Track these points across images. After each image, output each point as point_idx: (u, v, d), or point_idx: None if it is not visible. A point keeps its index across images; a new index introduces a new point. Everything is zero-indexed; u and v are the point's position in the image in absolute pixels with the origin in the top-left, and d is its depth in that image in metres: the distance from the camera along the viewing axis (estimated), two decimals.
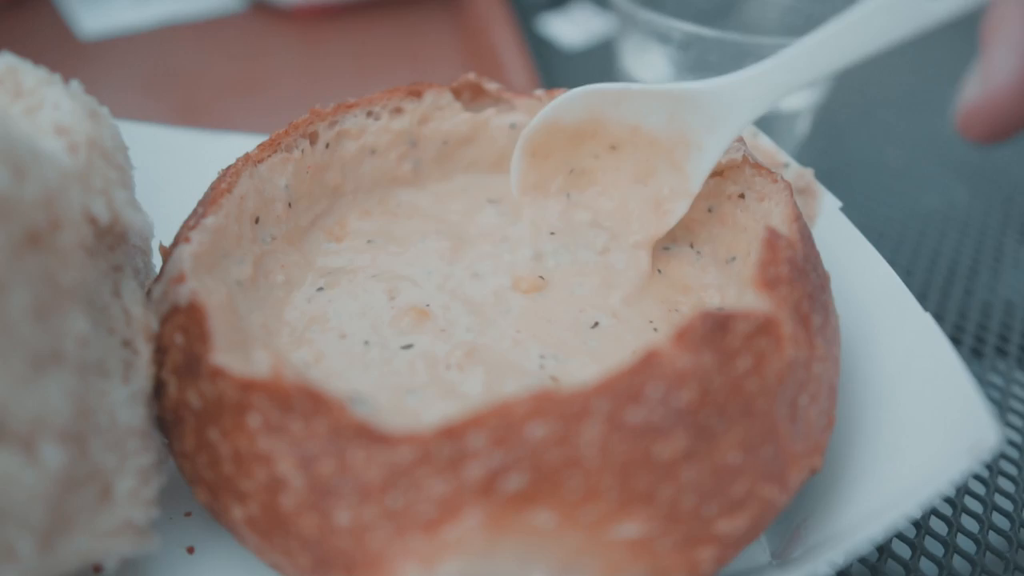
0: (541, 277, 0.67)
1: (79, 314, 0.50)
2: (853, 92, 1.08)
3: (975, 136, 0.46)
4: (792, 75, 0.60)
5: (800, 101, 1.02)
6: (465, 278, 0.67)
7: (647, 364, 0.47)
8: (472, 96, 0.77)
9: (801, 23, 1.08)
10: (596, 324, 0.63)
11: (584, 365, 0.60)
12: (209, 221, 0.61)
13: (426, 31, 1.47)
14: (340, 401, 0.48)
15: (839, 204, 0.75)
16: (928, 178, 1.01)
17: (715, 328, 0.49)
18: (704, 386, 0.48)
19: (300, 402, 0.48)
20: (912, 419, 0.57)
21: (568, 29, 1.48)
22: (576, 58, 1.41)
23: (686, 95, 0.64)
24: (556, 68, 1.34)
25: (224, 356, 0.52)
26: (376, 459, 0.47)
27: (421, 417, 0.54)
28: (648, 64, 1.02)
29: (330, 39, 1.42)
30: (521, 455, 0.46)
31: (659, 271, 0.69)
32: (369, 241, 0.71)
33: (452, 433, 0.46)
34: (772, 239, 0.56)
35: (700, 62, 0.99)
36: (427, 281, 0.67)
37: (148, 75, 1.30)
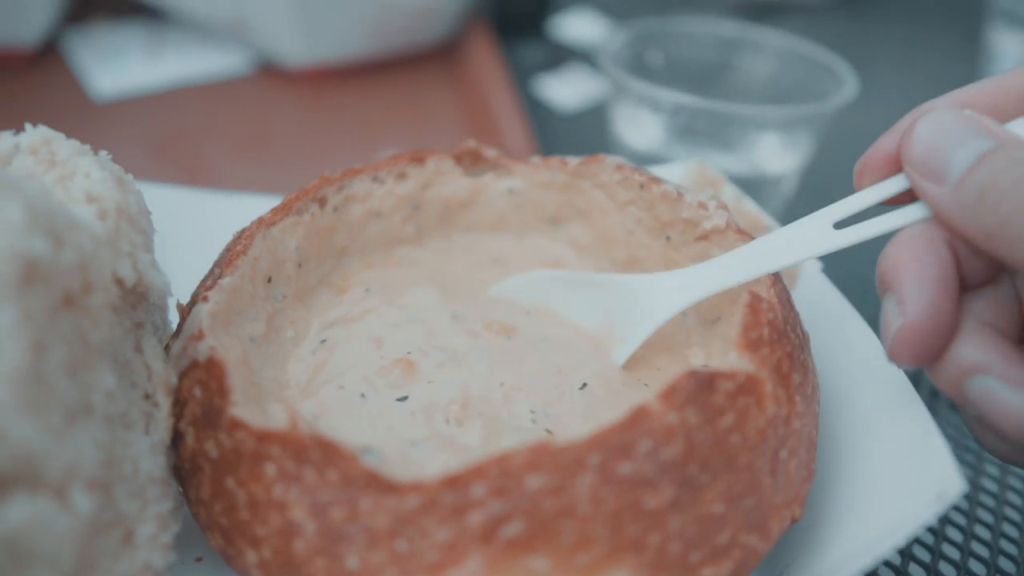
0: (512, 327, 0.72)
1: (106, 369, 0.54)
2: (838, 152, 1.14)
3: (907, 362, 0.53)
4: (721, 277, 0.65)
5: (785, 164, 1.07)
6: (445, 323, 0.71)
7: (637, 420, 0.51)
8: (472, 162, 0.81)
9: (783, 90, 1.13)
10: (584, 385, 0.67)
11: (573, 415, 0.63)
12: (226, 281, 0.65)
13: (427, 92, 1.53)
14: (352, 452, 0.51)
15: (820, 265, 0.79)
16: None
17: (701, 387, 0.53)
18: (690, 441, 0.52)
19: (314, 453, 0.52)
20: (885, 470, 0.60)
21: (563, 91, 1.54)
22: (571, 120, 1.47)
23: (622, 288, 0.70)
24: (552, 130, 1.39)
25: (242, 409, 0.56)
26: (385, 506, 0.50)
27: (425, 468, 0.58)
28: (640, 130, 1.08)
29: (335, 100, 1.48)
30: (519, 504, 0.49)
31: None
32: (367, 290, 0.75)
33: (455, 483, 0.49)
34: (754, 303, 0.60)
35: (690, 128, 1.04)
36: (411, 329, 0.71)
37: (157, 135, 1.34)
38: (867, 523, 0.59)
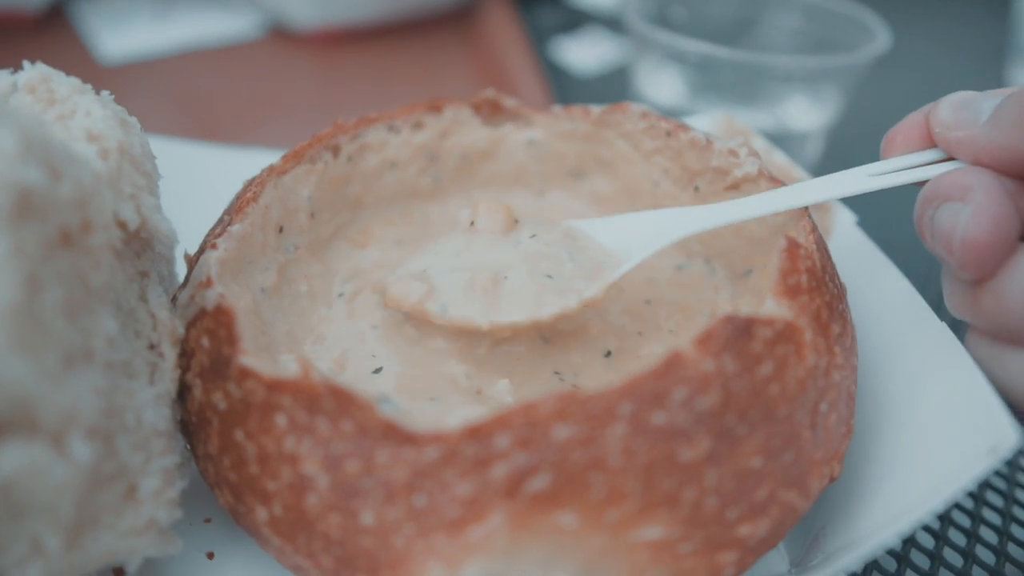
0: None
1: (108, 315, 0.51)
2: (865, 112, 1.10)
3: (972, 270, 0.52)
4: (751, 208, 0.62)
5: (812, 121, 1.03)
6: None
7: (670, 367, 0.48)
8: (491, 112, 0.78)
9: (810, 45, 1.09)
10: (609, 353, 0.64)
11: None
12: (235, 228, 0.62)
13: (442, 55, 1.49)
14: (368, 401, 0.48)
15: (855, 218, 0.75)
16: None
17: (738, 333, 0.50)
18: (727, 390, 0.49)
19: (328, 402, 0.49)
20: (930, 425, 0.57)
21: (581, 54, 1.50)
22: (590, 83, 1.43)
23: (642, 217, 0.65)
24: (570, 93, 1.36)
25: (252, 358, 0.53)
26: (402, 459, 0.47)
27: (446, 419, 0.55)
28: (663, 85, 1.04)
29: (346, 64, 1.44)
30: (546, 456, 0.46)
31: (647, 301, 0.69)
32: (396, 242, 0.72)
33: (478, 433, 0.46)
34: (791, 248, 0.56)
35: (715, 82, 1.00)
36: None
37: (167, 99, 1.31)
38: (909, 482, 0.55)
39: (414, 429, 0.47)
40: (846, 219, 0.75)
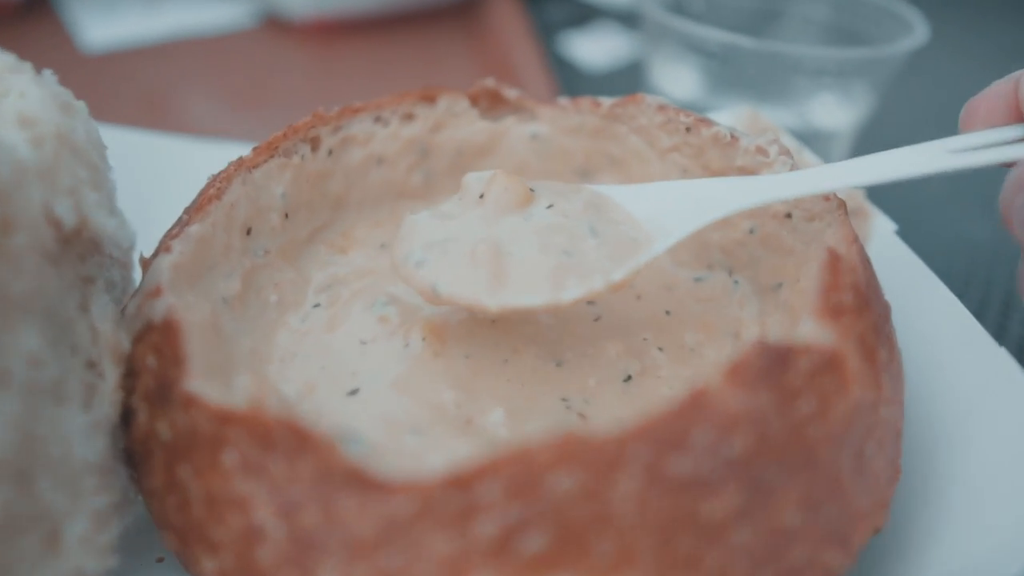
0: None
1: (31, 329, 0.43)
2: (897, 112, 1.01)
3: None
4: (803, 184, 0.54)
5: (840, 120, 0.95)
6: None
7: (694, 405, 0.40)
8: (490, 104, 0.70)
9: (839, 39, 1.01)
10: (629, 377, 0.56)
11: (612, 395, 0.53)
12: (194, 230, 0.54)
13: (443, 49, 1.41)
14: (328, 439, 0.41)
15: (894, 227, 0.68)
16: (974, 206, 0.94)
17: (773, 363, 0.42)
18: (760, 432, 0.41)
19: (283, 439, 0.41)
20: (990, 470, 0.49)
21: (591, 50, 1.43)
22: (600, 80, 1.35)
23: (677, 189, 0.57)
24: (578, 90, 1.27)
25: (200, 382, 0.45)
26: (369, 510, 0.39)
27: (426, 460, 0.47)
28: (679, 79, 0.96)
29: (343, 56, 1.37)
30: (542, 510, 0.38)
31: (667, 312, 0.61)
32: (382, 246, 0.65)
33: (461, 482, 0.38)
34: (833, 261, 0.49)
35: (735, 77, 0.92)
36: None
37: (151, 90, 1.24)
38: (967, 540, 0.48)
39: (384, 475, 0.39)
40: (885, 227, 0.68)
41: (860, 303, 0.48)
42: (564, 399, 0.53)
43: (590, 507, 0.38)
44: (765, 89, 0.93)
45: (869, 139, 1.03)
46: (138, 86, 1.24)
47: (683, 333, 0.59)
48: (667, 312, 0.61)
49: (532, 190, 0.57)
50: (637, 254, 0.53)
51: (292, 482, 0.41)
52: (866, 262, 0.53)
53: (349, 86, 1.28)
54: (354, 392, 0.53)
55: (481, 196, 0.57)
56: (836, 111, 0.95)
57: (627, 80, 1.32)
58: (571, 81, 1.32)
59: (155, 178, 0.72)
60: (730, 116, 0.78)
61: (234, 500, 0.43)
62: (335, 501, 0.40)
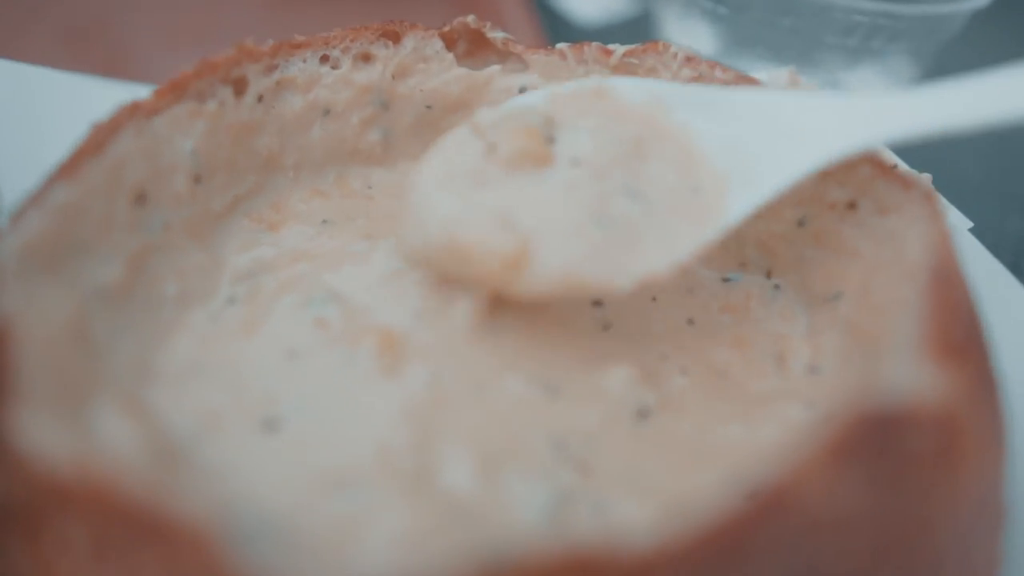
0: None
1: None
2: None
3: None
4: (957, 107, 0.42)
5: (879, 86, 0.82)
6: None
7: (771, 507, 0.26)
8: (470, 47, 0.56)
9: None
10: (643, 413, 0.42)
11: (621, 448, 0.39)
12: (58, 195, 0.40)
13: None
14: (211, 535, 0.26)
15: (968, 224, 0.55)
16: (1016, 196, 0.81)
17: (882, 440, 0.28)
18: (859, 543, 0.27)
19: (141, 530, 0.27)
20: None
21: (584, 3, 1.27)
22: (593, 35, 1.20)
23: (759, 107, 0.46)
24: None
25: (30, 423, 0.31)
26: None
27: (360, 549, 0.33)
28: (694, 38, 0.83)
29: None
30: None
31: (690, 321, 0.48)
32: (325, 222, 0.51)
33: None
34: (940, 281, 0.35)
35: (756, 39, 0.79)
36: (398, 295, 0.46)
37: (76, 20, 1.08)
38: None
39: None
40: (957, 225, 0.55)
41: (975, 334, 0.35)
42: (557, 444, 0.39)
43: None
44: (789, 52, 0.79)
45: None
46: (63, 15, 1.07)
47: (711, 351, 0.46)
48: (689, 321, 0.47)
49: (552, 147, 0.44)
50: (696, 228, 0.41)
51: None
52: (966, 279, 0.40)
53: (303, 19, 1.12)
54: (271, 426, 0.39)
55: (491, 149, 0.44)
56: (873, 81, 0.82)
57: (626, 38, 1.17)
58: (560, 35, 1.18)
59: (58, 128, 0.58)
60: (764, 78, 0.64)
61: None
62: None
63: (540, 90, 0.49)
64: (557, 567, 0.25)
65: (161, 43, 1.06)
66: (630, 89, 0.48)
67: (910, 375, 0.32)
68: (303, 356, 0.42)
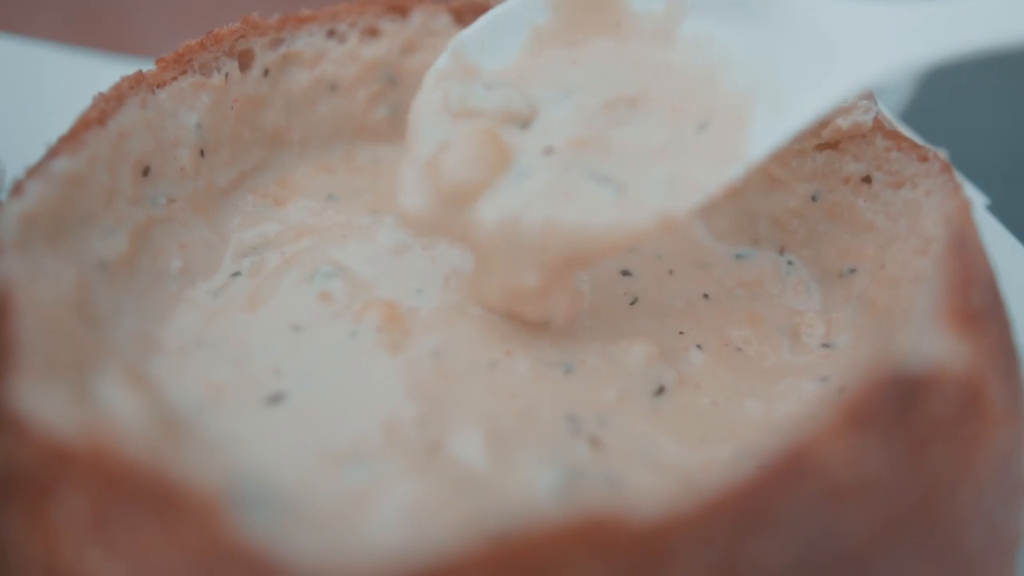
0: None
1: None
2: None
3: None
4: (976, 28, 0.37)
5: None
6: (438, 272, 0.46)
7: (790, 470, 0.25)
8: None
9: None
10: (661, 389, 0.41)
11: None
12: (60, 165, 0.39)
13: None
14: (213, 498, 0.26)
15: (985, 200, 0.54)
16: None
17: (904, 403, 0.28)
18: (882, 508, 0.27)
19: (143, 493, 0.26)
20: None
21: None
22: None
23: (796, 10, 0.41)
24: None
25: (34, 391, 0.30)
26: None
27: (368, 521, 0.32)
28: None
29: None
30: None
31: (705, 296, 0.47)
32: (330, 197, 0.50)
33: None
34: (961, 243, 0.34)
35: None
36: (403, 269, 0.46)
37: (81, 2, 1.08)
38: None
39: (294, 565, 0.25)
40: (974, 201, 0.53)
41: (996, 303, 0.34)
42: (570, 417, 0.39)
43: None
44: None
45: (939, 89, 0.87)
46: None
47: (726, 326, 0.45)
48: (705, 296, 0.47)
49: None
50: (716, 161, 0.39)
51: (159, 558, 0.27)
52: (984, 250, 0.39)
53: None
54: (276, 399, 0.38)
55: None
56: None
57: None
58: None
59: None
60: None
61: (76, 573, 0.28)
62: None
63: None
64: (566, 533, 0.24)
65: (170, 21, 1.06)
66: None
67: (929, 343, 0.32)
68: (307, 329, 0.42)
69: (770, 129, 0.40)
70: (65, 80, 0.62)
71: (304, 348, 0.41)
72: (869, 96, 0.46)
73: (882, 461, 0.27)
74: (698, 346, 0.44)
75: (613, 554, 0.24)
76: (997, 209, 0.55)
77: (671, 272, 0.47)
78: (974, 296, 0.33)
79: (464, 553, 0.24)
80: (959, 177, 0.53)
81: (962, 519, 0.29)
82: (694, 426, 0.40)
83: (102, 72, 0.66)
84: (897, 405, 0.28)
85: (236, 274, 0.45)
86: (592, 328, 0.43)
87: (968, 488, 0.30)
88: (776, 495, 0.25)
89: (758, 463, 0.26)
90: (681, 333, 0.44)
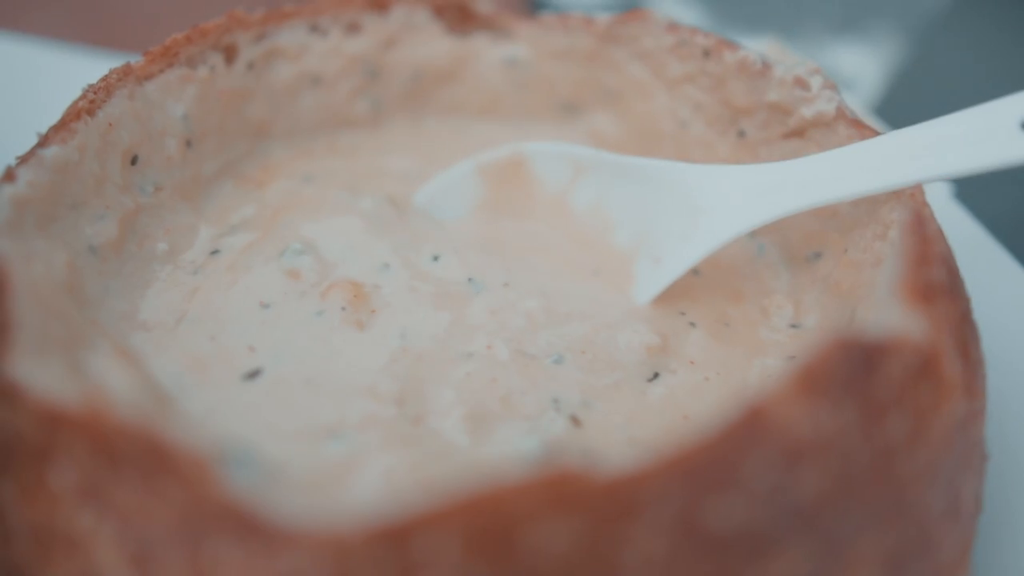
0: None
1: None
2: (938, 65, 0.89)
3: None
4: (837, 181, 0.42)
5: (864, 61, 0.83)
6: (422, 254, 0.47)
7: (748, 429, 0.27)
8: (459, 18, 0.57)
9: None
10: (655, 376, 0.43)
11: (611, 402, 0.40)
12: (51, 153, 0.40)
13: None
14: (202, 458, 0.27)
15: (952, 188, 0.56)
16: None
17: (859, 368, 0.29)
18: (838, 466, 0.28)
19: (134, 455, 0.28)
20: None
21: None
22: (579, 7, 1.21)
23: (670, 181, 0.46)
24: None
25: (30, 364, 0.31)
26: (257, 567, 0.26)
27: (348, 484, 0.34)
28: (677, 14, 0.83)
29: None
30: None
31: (696, 272, 0.48)
32: (307, 178, 0.52)
33: (396, 535, 0.25)
34: (918, 224, 0.36)
35: (744, 12, 0.80)
36: (372, 246, 0.47)
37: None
38: None
39: (282, 518, 0.26)
40: (938, 190, 0.56)
41: (953, 281, 0.36)
42: (555, 400, 0.40)
43: (591, 572, 0.26)
44: (772, 25, 0.80)
45: (907, 88, 0.88)
46: None
47: (715, 303, 0.47)
48: (695, 272, 0.48)
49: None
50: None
51: (149, 517, 0.28)
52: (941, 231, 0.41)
53: None
54: (253, 375, 0.39)
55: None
56: (856, 60, 0.83)
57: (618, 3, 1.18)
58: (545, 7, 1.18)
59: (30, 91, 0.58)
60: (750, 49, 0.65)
61: (68, 536, 0.29)
62: (208, 550, 0.27)
63: (467, 160, 0.50)
64: (534, 487, 0.25)
65: (157, 15, 1.06)
66: (544, 158, 0.50)
67: (888, 315, 0.33)
68: (275, 307, 0.43)
69: (651, 278, 0.47)
70: (57, 76, 0.63)
71: (274, 325, 0.42)
72: (831, 86, 0.48)
73: (839, 422, 0.29)
74: (692, 323, 0.45)
75: (579, 507, 0.26)
76: (965, 198, 0.56)
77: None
78: (930, 273, 0.34)
79: (436, 507, 0.25)
80: None
81: (918, 480, 0.31)
82: (678, 408, 0.41)
83: (94, 68, 0.68)
84: (854, 369, 0.29)
85: (215, 252, 0.46)
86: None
87: (925, 451, 0.31)
88: (734, 453, 0.27)
89: (718, 425, 0.28)
90: (682, 313, 0.46)
